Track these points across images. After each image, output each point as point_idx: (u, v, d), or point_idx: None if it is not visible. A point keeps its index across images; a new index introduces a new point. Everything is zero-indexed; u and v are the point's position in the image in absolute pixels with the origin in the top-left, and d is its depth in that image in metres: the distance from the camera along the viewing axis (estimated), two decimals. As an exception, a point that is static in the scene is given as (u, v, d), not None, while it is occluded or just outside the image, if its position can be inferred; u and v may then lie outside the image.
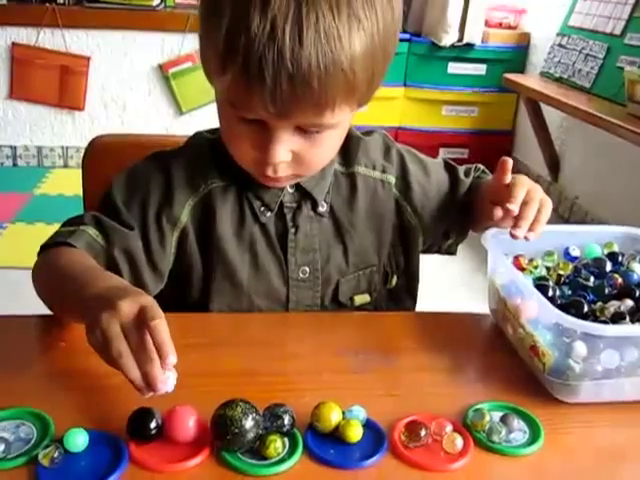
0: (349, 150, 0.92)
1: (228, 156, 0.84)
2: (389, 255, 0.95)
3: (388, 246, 0.95)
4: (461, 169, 1.02)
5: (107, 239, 0.82)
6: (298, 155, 0.78)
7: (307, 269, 0.89)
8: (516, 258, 0.85)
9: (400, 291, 0.98)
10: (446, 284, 2.58)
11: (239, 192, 0.87)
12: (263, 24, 0.67)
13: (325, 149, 0.80)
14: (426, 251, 1.01)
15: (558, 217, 3.40)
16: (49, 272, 0.79)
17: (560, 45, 3.31)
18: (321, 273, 0.90)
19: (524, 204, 0.82)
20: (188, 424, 0.61)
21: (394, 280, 0.96)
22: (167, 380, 0.61)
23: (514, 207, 0.81)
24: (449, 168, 1.01)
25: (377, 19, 0.71)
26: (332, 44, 0.67)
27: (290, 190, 0.88)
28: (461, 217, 0.99)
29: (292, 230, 0.89)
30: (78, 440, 0.59)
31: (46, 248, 0.82)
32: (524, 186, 0.84)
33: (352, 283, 0.93)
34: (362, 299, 0.94)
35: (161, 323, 0.61)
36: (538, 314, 0.74)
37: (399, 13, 0.76)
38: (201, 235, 0.87)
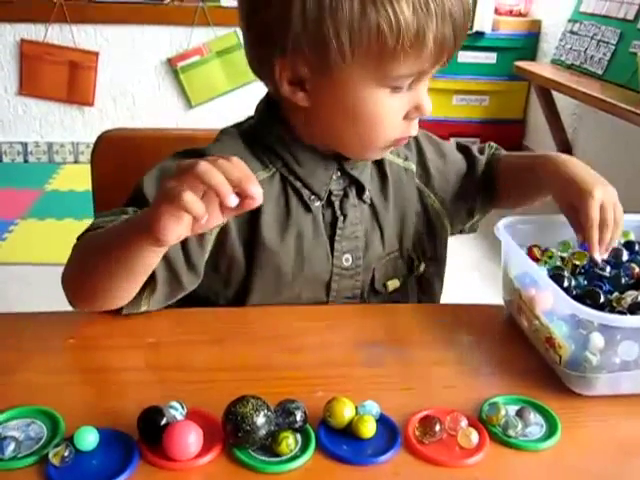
0: None
1: (269, 146, 0.85)
2: (414, 243, 0.95)
3: (412, 233, 0.94)
4: (474, 147, 1.02)
5: None
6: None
7: (350, 257, 0.89)
8: (530, 249, 0.83)
9: (430, 277, 0.97)
10: (458, 270, 2.57)
11: (284, 182, 0.86)
12: None
13: None
14: (452, 233, 1.01)
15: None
16: (91, 241, 0.77)
17: (571, 32, 3.27)
18: (363, 260, 0.89)
19: (600, 226, 0.81)
20: (187, 441, 0.58)
21: (421, 267, 0.95)
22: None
23: (592, 239, 0.80)
24: (462, 149, 1.02)
25: None
26: None
27: (335, 177, 0.87)
28: (483, 195, 1.00)
29: (341, 218, 0.88)
30: (88, 438, 0.59)
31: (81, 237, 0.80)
32: (596, 201, 0.81)
33: (384, 268, 0.92)
34: (393, 284, 0.93)
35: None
36: (553, 305, 0.73)
37: None
38: (244, 230, 0.85)
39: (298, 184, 0.86)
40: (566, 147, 3.45)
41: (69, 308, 0.80)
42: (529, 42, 3.78)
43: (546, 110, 3.41)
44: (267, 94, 0.88)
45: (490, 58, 3.79)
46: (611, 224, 0.81)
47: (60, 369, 0.71)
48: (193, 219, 0.64)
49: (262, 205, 0.80)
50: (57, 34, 3.50)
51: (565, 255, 0.84)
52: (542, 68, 3.32)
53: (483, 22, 3.67)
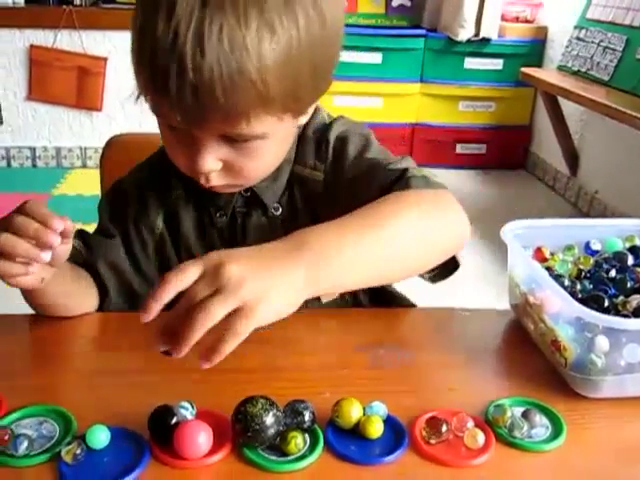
0: (301, 152, 0.89)
1: (176, 170, 0.84)
2: None
3: None
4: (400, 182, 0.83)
5: (91, 251, 0.86)
6: (230, 164, 0.76)
7: None
8: (538, 249, 0.84)
9: None
10: (463, 276, 2.57)
11: (198, 199, 0.89)
12: (166, 31, 0.64)
13: (259, 159, 0.77)
14: None
15: (577, 212, 3.37)
16: None
17: (578, 38, 3.28)
18: None
19: None
20: (197, 440, 0.59)
21: None
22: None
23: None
24: (395, 180, 0.82)
25: (298, 28, 0.68)
26: (237, 54, 0.64)
27: (242, 194, 0.88)
28: None
29: (240, 236, 0.89)
30: (100, 437, 0.60)
31: None
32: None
33: None
34: (330, 295, 0.89)
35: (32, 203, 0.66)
36: (559, 309, 0.74)
37: (332, 18, 0.72)
38: (174, 241, 0.90)
39: (208, 201, 0.88)
40: (572, 153, 3.46)
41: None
42: (535, 48, 3.79)
43: (552, 116, 3.41)
44: None
45: (496, 64, 3.80)
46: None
47: (72, 369, 0.72)
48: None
49: (182, 222, 0.89)
50: (66, 40, 3.53)
51: (570, 259, 0.85)
52: (548, 74, 3.32)
53: (489, 28, 3.68)
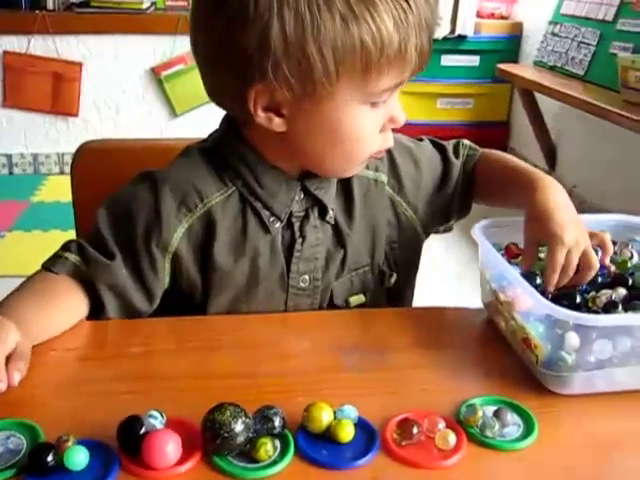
0: None
1: (231, 165, 0.84)
2: (386, 253, 0.93)
3: (383, 245, 0.93)
4: (450, 148, 1.00)
5: (89, 269, 0.81)
6: None
7: (307, 277, 0.87)
8: (508, 247, 0.84)
9: (401, 287, 0.97)
10: (442, 276, 2.58)
11: (243, 203, 0.85)
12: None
13: None
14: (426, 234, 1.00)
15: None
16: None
17: (553, 33, 3.30)
18: (321, 281, 0.88)
19: (563, 269, 0.78)
20: (166, 450, 0.58)
21: (392, 278, 0.94)
22: None
23: (549, 281, 0.78)
24: (439, 148, 1.00)
25: None
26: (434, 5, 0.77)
27: (298, 198, 0.86)
28: (460, 198, 0.99)
29: (299, 240, 0.86)
30: (79, 458, 0.58)
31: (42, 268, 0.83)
32: (565, 247, 0.78)
33: (346, 285, 0.91)
34: (357, 300, 0.92)
35: None
36: (529, 306, 0.74)
37: None
38: (197, 254, 0.85)
39: (258, 205, 0.84)
40: (550, 148, 3.48)
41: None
42: (511, 44, 3.81)
43: (529, 112, 3.43)
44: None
45: (473, 61, 3.81)
46: (571, 272, 0.79)
47: (39, 381, 0.71)
48: None
49: (216, 228, 0.83)
50: (40, 45, 3.50)
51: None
52: (524, 70, 3.34)
53: (465, 25, 3.70)
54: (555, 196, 0.84)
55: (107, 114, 3.67)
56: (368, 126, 0.79)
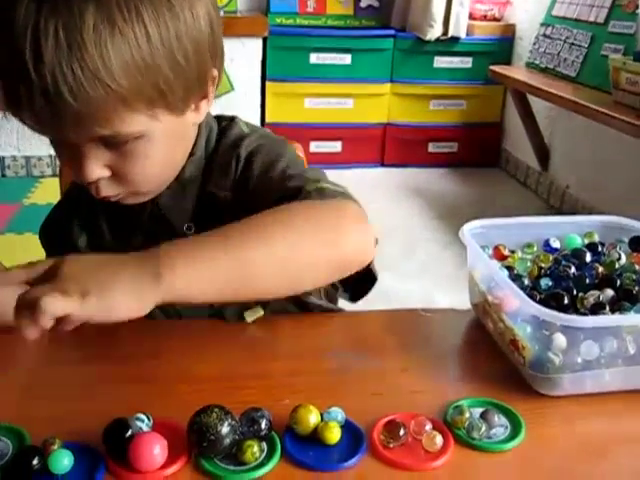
0: (209, 169, 0.87)
1: None
2: None
3: None
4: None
5: None
6: (116, 171, 0.75)
7: None
8: (496, 248, 0.84)
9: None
10: (438, 275, 2.59)
11: (114, 220, 0.89)
12: (9, 44, 0.65)
13: (143, 161, 0.76)
14: None
15: (549, 207, 3.40)
16: None
17: (545, 35, 3.31)
18: None
19: None
20: (152, 452, 0.58)
21: None
22: None
23: None
24: (292, 195, 0.79)
25: (144, 22, 0.67)
26: (76, 53, 0.64)
27: (150, 214, 0.86)
28: None
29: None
30: (64, 461, 0.58)
31: None
32: None
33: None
34: (254, 314, 0.84)
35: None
36: (517, 307, 0.74)
37: (192, 10, 0.72)
38: None
39: (123, 222, 0.89)
40: (543, 149, 3.49)
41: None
42: (504, 46, 3.81)
43: (522, 113, 3.44)
44: None
45: (466, 62, 3.82)
46: None
47: (23, 384, 0.71)
48: None
49: (103, 238, 0.88)
50: (32, 47, 3.49)
51: (530, 257, 0.85)
52: (517, 72, 3.35)
53: (458, 27, 3.70)
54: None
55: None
56: (58, 155, 0.80)
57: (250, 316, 0.83)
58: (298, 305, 0.91)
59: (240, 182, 0.85)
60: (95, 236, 0.90)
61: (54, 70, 0.64)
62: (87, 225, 0.90)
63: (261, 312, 0.83)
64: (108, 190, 0.77)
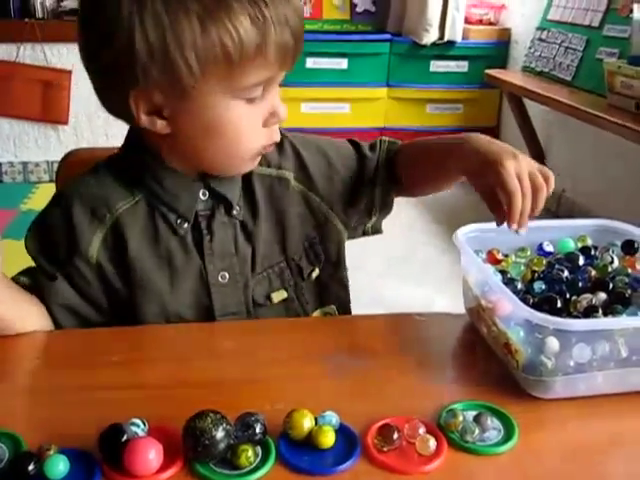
0: None
1: (134, 175, 0.86)
2: (305, 249, 0.95)
3: (297, 241, 0.94)
4: (366, 145, 1.01)
5: (42, 292, 0.85)
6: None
7: (227, 274, 0.88)
8: (490, 253, 0.85)
9: (327, 281, 0.97)
10: (437, 278, 2.59)
11: (150, 208, 0.87)
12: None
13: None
14: (353, 236, 1.00)
15: (546, 211, 3.40)
16: None
17: (540, 39, 3.32)
18: (241, 276, 0.89)
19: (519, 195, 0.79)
20: (147, 457, 0.59)
21: (314, 273, 0.95)
22: None
23: (513, 211, 0.79)
24: (354, 145, 1.00)
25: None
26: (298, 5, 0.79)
27: (203, 197, 0.88)
28: (381, 191, 0.98)
29: (207, 237, 0.88)
30: (59, 467, 0.58)
31: None
32: (508, 170, 0.79)
33: (264, 281, 0.92)
34: (279, 296, 0.93)
35: None
36: (510, 311, 0.74)
37: None
38: (118, 262, 0.87)
39: (164, 209, 0.86)
40: (539, 153, 3.49)
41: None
42: (499, 50, 3.83)
43: (518, 117, 3.45)
44: None
45: (462, 67, 3.83)
46: (528, 193, 0.80)
47: (22, 390, 0.71)
48: None
49: (127, 235, 0.86)
50: (29, 53, 3.49)
51: (523, 261, 0.86)
52: (512, 75, 3.36)
53: (454, 31, 3.71)
54: (481, 140, 0.88)
55: (97, 122, 3.65)
56: (245, 121, 0.81)
57: (276, 297, 0.92)
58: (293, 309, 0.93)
59: (298, 161, 0.96)
60: (115, 236, 0.87)
61: (294, 7, 0.78)
62: (102, 226, 0.86)
63: (285, 294, 0.91)
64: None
